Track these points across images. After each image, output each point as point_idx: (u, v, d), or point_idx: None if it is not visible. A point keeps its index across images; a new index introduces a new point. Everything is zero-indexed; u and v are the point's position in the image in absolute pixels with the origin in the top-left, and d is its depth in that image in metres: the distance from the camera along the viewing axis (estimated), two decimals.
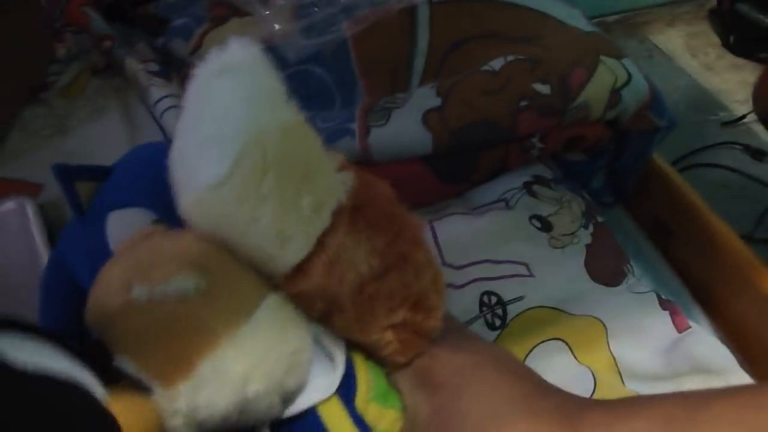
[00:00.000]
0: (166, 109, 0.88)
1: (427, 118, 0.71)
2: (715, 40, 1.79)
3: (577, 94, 0.71)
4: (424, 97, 0.73)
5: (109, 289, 0.38)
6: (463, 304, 0.67)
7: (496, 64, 0.74)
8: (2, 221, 0.77)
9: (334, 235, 0.41)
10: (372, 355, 0.47)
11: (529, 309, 0.67)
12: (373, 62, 0.80)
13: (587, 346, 0.65)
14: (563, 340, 0.65)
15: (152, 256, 0.39)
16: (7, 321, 0.32)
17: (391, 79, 0.79)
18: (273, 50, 0.79)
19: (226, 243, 0.40)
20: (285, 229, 0.39)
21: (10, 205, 0.79)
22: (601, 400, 0.43)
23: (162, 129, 0.89)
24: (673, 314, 0.70)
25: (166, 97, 0.89)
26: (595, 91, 0.72)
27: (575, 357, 0.64)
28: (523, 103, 0.70)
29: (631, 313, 0.71)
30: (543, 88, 0.71)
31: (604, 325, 0.68)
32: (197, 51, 0.88)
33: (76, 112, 0.97)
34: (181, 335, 0.37)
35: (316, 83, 0.81)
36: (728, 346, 0.74)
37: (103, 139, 0.92)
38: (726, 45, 1.76)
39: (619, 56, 0.76)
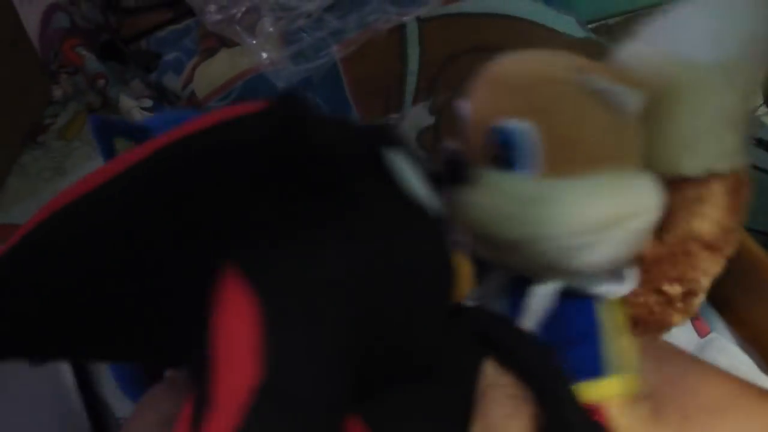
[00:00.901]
0: None
1: (422, 138, 0.69)
2: None
3: None
4: (417, 117, 0.72)
5: None
6: None
7: None
8: None
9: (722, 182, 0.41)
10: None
11: None
12: (365, 84, 0.79)
13: None
14: None
15: None
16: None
17: (384, 100, 0.78)
18: (262, 79, 0.78)
19: None
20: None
21: None
22: None
23: None
24: (694, 319, 0.68)
25: None
26: None
27: None
28: None
29: None
30: None
31: None
32: (189, 85, 0.87)
33: (74, 152, 0.97)
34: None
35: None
36: (748, 350, 0.72)
37: None
38: None
39: None
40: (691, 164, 0.41)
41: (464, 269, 0.36)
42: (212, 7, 0.84)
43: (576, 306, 0.41)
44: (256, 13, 0.77)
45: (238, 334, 0.25)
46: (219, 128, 0.27)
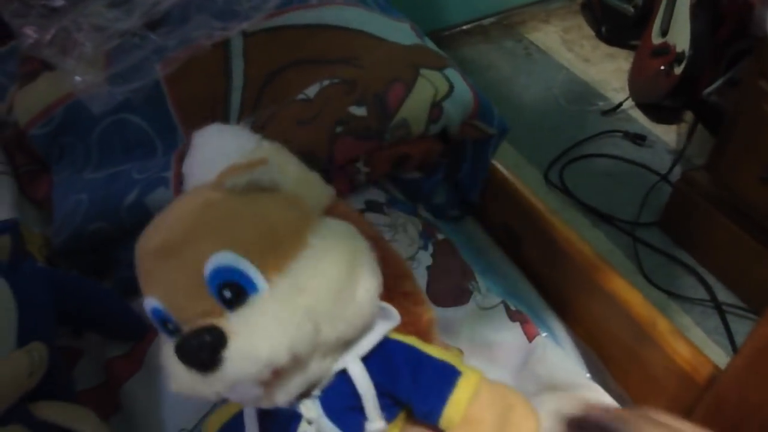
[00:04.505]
0: None
1: None
2: (589, 32, 1.82)
3: (395, 113, 0.69)
4: None
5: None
6: None
7: (312, 90, 0.71)
8: None
9: None
10: None
11: None
12: (191, 102, 0.76)
13: None
14: None
15: None
16: None
17: (210, 118, 0.75)
18: (75, 107, 0.75)
19: None
20: None
21: None
22: None
23: None
24: (523, 324, 0.68)
25: None
26: (414, 106, 0.69)
27: None
28: (339, 129, 0.67)
29: (481, 330, 0.68)
30: (359, 110, 0.68)
31: (460, 350, 0.66)
32: (11, 111, 0.82)
33: None
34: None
35: (135, 132, 0.76)
36: (584, 348, 0.73)
37: None
38: (599, 36, 1.79)
39: (441, 67, 0.74)
40: None
41: None
42: (29, 29, 0.80)
43: (384, 353, 0.43)
44: (67, 33, 0.73)
45: None
46: None
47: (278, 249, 0.39)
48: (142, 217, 0.68)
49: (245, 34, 0.77)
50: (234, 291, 0.37)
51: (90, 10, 0.78)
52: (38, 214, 0.81)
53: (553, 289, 0.76)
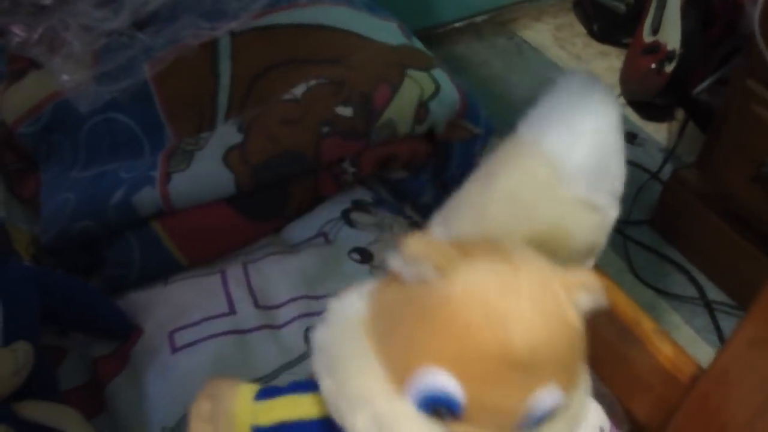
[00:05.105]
0: None
1: (228, 157, 0.67)
2: (581, 30, 1.82)
3: (381, 113, 0.69)
4: (225, 135, 0.70)
5: None
6: (290, 341, 0.64)
7: (299, 90, 0.71)
8: None
9: None
10: None
11: None
12: (178, 102, 0.76)
13: None
14: None
15: None
16: None
17: (197, 117, 0.75)
18: (63, 106, 0.75)
19: None
20: None
21: None
22: None
23: None
24: None
25: None
26: (400, 107, 0.70)
27: None
28: (325, 130, 0.67)
29: None
30: (345, 111, 0.69)
31: None
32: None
33: None
34: None
35: (122, 131, 0.76)
36: None
37: None
38: (591, 34, 1.79)
39: (428, 67, 0.74)
40: None
41: None
42: (17, 27, 0.80)
43: None
44: (55, 32, 0.73)
45: None
46: None
47: (576, 374, 0.35)
48: (129, 215, 0.69)
49: (233, 34, 0.77)
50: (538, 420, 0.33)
51: (78, 9, 0.78)
52: (26, 212, 0.81)
53: None
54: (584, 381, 0.36)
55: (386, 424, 0.32)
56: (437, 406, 0.32)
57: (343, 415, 0.33)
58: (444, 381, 0.31)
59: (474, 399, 0.31)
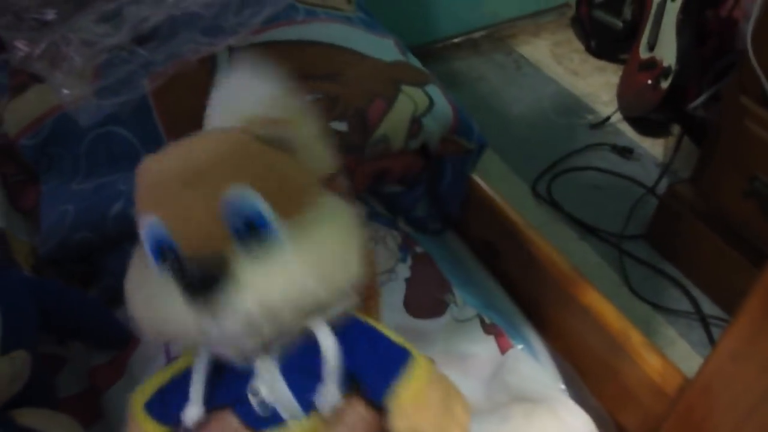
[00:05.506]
0: None
1: None
2: (579, 46, 1.84)
3: (375, 128, 0.70)
4: None
5: None
6: None
7: None
8: None
9: None
10: None
11: None
12: (177, 116, 0.77)
13: None
14: None
15: None
16: None
17: (195, 131, 0.76)
18: (63, 120, 0.76)
19: None
20: None
21: None
22: None
23: None
24: (498, 337, 0.69)
25: None
26: (395, 122, 0.71)
27: None
28: None
29: (456, 342, 0.70)
30: (340, 126, 0.70)
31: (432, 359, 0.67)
32: (1, 122, 0.84)
33: None
34: None
35: (122, 144, 0.78)
36: (560, 361, 0.74)
37: None
38: (588, 50, 1.81)
39: (422, 83, 0.76)
40: None
41: None
42: (20, 43, 0.81)
43: (344, 324, 0.44)
44: (57, 47, 0.75)
45: None
46: None
47: (293, 200, 0.39)
48: (128, 227, 0.70)
49: (231, 49, 0.79)
50: (249, 228, 0.37)
51: (80, 24, 0.80)
52: (26, 223, 0.83)
53: (531, 302, 0.77)
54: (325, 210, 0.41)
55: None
56: (159, 247, 0.38)
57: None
58: (150, 219, 0.39)
59: (174, 226, 0.38)
